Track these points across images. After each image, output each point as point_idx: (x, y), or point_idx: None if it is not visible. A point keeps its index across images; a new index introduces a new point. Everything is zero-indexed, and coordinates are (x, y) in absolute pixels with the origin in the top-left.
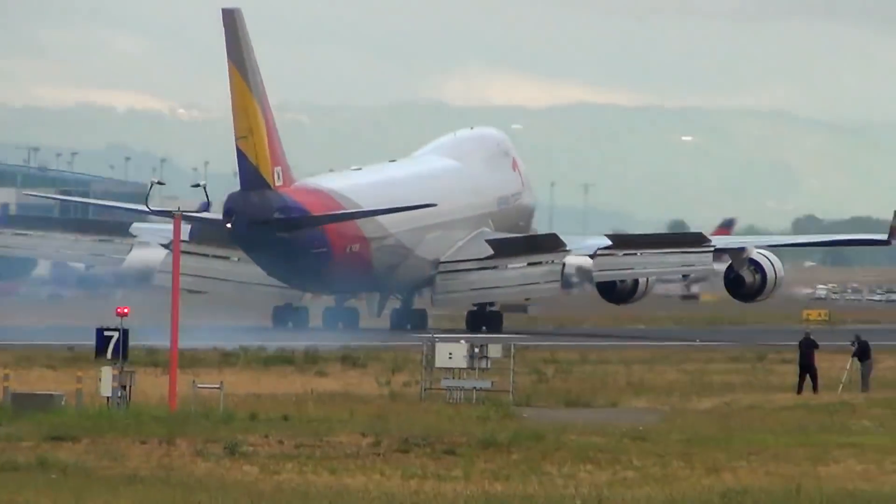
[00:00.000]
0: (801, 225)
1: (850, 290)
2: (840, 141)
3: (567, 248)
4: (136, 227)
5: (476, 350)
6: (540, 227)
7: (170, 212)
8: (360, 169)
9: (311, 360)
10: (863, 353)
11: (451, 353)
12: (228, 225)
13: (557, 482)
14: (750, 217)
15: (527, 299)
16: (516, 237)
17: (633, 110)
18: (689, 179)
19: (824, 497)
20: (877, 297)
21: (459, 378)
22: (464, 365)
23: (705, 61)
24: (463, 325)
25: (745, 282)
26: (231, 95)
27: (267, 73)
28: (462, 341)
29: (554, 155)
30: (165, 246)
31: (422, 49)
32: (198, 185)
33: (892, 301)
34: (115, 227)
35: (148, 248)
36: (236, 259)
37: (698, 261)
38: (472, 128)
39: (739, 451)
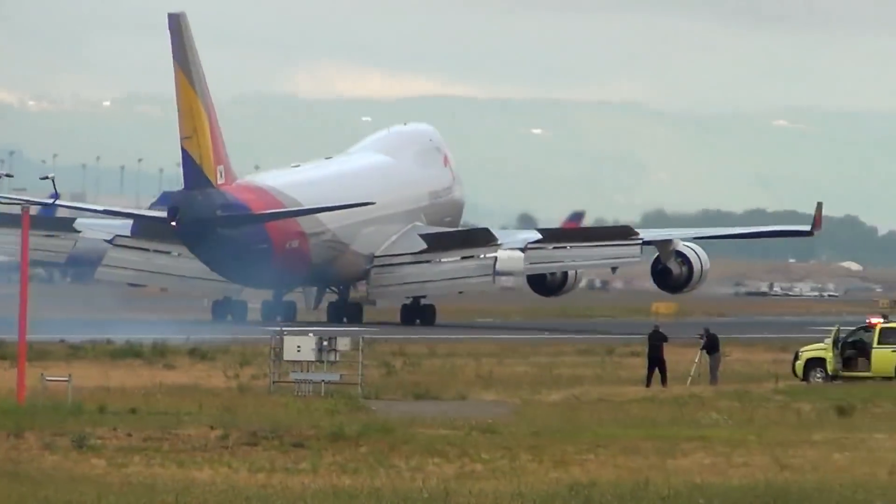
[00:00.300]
0: (649, 218)
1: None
2: (689, 133)
3: (499, 242)
4: (80, 222)
5: (325, 343)
6: None
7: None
8: (298, 166)
9: (159, 354)
10: (711, 346)
11: (299, 346)
12: (173, 223)
13: (405, 475)
14: (599, 210)
15: (460, 292)
16: (449, 231)
17: (483, 102)
18: (538, 172)
19: (672, 490)
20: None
21: (308, 371)
22: (312, 358)
23: (555, 54)
24: (397, 318)
25: (672, 273)
26: (176, 96)
27: (113, 64)
28: (310, 334)
29: None
30: (109, 241)
31: (269, 42)
32: (46, 178)
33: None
34: (60, 223)
35: (92, 242)
36: (177, 254)
37: (626, 253)
38: (405, 123)
39: (588, 444)
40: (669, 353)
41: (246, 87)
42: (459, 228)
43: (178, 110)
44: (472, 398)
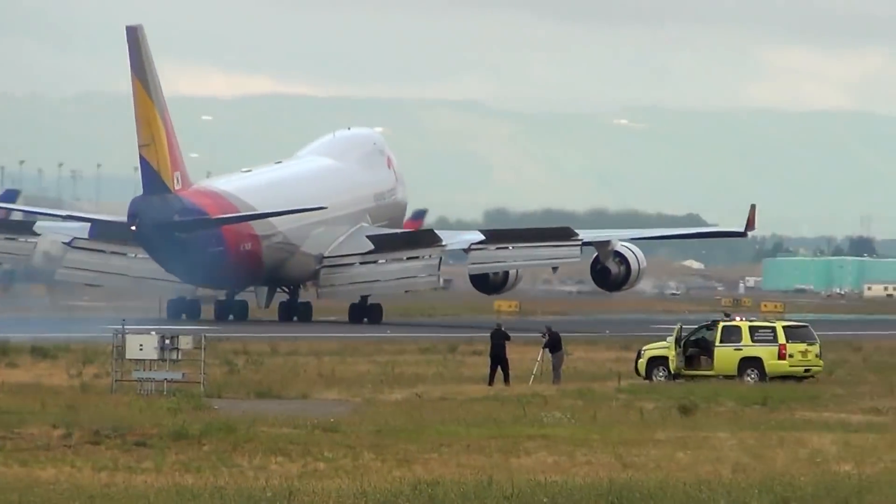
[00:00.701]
0: (491, 217)
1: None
2: (531, 132)
3: (443, 244)
4: (40, 225)
5: (167, 341)
6: None
7: None
8: (249, 170)
9: (0, 352)
10: (554, 344)
11: (141, 345)
12: (133, 227)
13: (248, 474)
14: (441, 209)
15: (406, 291)
16: (395, 233)
17: (324, 101)
18: None
19: (515, 488)
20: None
21: (151, 370)
22: (155, 356)
23: (396, 52)
24: (345, 317)
25: (610, 273)
26: (134, 106)
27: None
28: (152, 332)
29: (244, 146)
30: (67, 244)
31: (109, 40)
32: None
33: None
34: (20, 226)
35: (51, 245)
36: (133, 255)
37: (567, 254)
38: (349, 128)
39: (431, 443)
40: (512, 352)
41: (87, 87)
42: (406, 230)
43: (136, 119)
44: (315, 397)
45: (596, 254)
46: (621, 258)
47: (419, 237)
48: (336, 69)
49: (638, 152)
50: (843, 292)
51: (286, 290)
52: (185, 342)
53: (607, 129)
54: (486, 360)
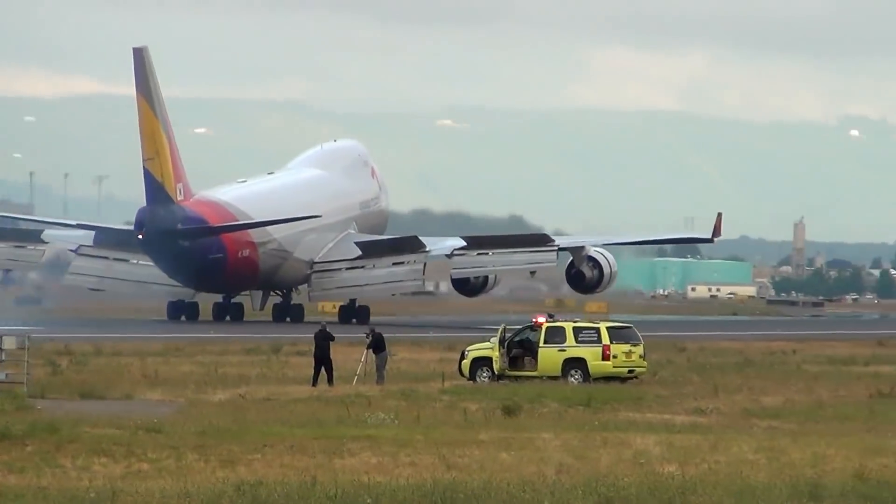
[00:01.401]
0: None
1: None
2: (355, 132)
3: (427, 249)
4: (48, 234)
5: None
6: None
7: None
8: (245, 181)
9: None
10: (377, 345)
11: None
12: (140, 235)
13: (72, 475)
14: None
15: (393, 294)
16: (381, 239)
17: None
18: (203, 170)
19: (339, 489)
20: None
21: None
22: None
23: (221, 53)
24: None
25: (585, 276)
26: (139, 122)
27: None
28: None
29: (68, 146)
30: (74, 251)
31: None
32: None
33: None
34: (29, 234)
35: (59, 253)
36: (135, 261)
37: (543, 259)
38: (335, 140)
39: (254, 444)
40: (336, 353)
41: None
42: (390, 236)
43: (141, 134)
44: (138, 397)
45: (571, 258)
46: (594, 262)
47: (404, 243)
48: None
49: (462, 153)
50: (666, 293)
51: (279, 293)
52: (9, 343)
53: (431, 129)
54: (310, 361)
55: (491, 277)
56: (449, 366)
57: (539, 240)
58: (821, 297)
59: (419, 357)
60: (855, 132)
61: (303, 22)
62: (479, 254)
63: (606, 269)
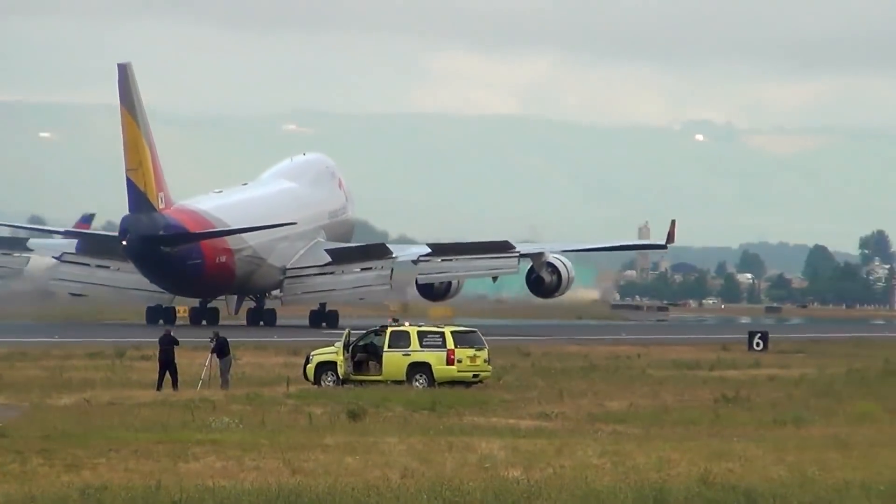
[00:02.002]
0: None
1: None
2: (199, 137)
3: (393, 256)
4: (33, 241)
5: None
6: None
7: None
8: (221, 191)
9: None
10: (221, 349)
11: None
12: (123, 242)
13: None
14: (111, 212)
15: (361, 299)
16: (350, 246)
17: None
18: (48, 174)
19: (184, 493)
20: None
21: None
22: None
23: (62, 59)
24: (306, 322)
25: (544, 281)
26: (122, 134)
27: None
28: None
29: None
30: (58, 258)
31: None
32: None
33: None
34: (14, 242)
35: (43, 259)
36: (116, 268)
37: (505, 265)
38: (304, 154)
39: (99, 448)
40: (181, 357)
41: None
42: (358, 244)
43: (124, 145)
44: None
45: (531, 264)
46: (553, 268)
47: (371, 250)
48: (13, 74)
49: None
50: (512, 297)
51: (253, 298)
52: None
53: (275, 133)
54: (155, 366)
55: (454, 283)
56: (294, 370)
57: (501, 247)
58: (665, 302)
59: (264, 361)
60: (700, 136)
61: (146, 24)
62: (443, 260)
63: (565, 274)
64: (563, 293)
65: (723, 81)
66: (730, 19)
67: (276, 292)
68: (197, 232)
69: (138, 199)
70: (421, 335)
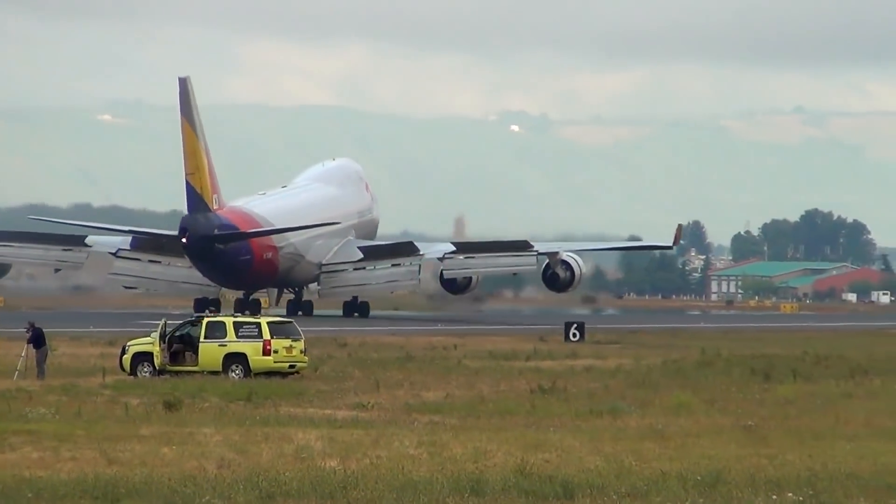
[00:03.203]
0: None
1: None
2: (13, 127)
3: (421, 253)
4: (91, 239)
5: None
6: None
7: None
8: (264, 193)
9: None
10: (37, 339)
11: None
12: (183, 239)
13: None
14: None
15: (392, 293)
16: (381, 244)
17: None
18: None
19: (1, 484)
20: None
21: None
22: None
23: None
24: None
25: (559, 277)
26: (183, 141)
27: None
28: None
29: None
30: (114, 254)
31: None
32: None
33: None
34: (74, 239)
35: (101, 256)
36: (167, 263)
37: (524, 262)
38: (333, 159)
39: None
40: None
41: None
42: (388, 242)
43: (184, 152)
44: None
45: (547, 261)
46: (567, 265)
47: (401, 248)
48: None
49: (121, 148)
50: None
51: (293, 290)
52: None
53: (91, 124)
54: None
55: (474, 278)
56: (110, 361)
57: (521, 246)
58: (483, 292)
59: (80, 352)
60: (515, 127)
61: None
62: (466, 257)
63: (577, 271)
64: (575, 288)
65: (537, 72)
66: (543, 11)
67: (313, 286)
68: (248, 231)
69: (196, 200)
70: (237, 326)
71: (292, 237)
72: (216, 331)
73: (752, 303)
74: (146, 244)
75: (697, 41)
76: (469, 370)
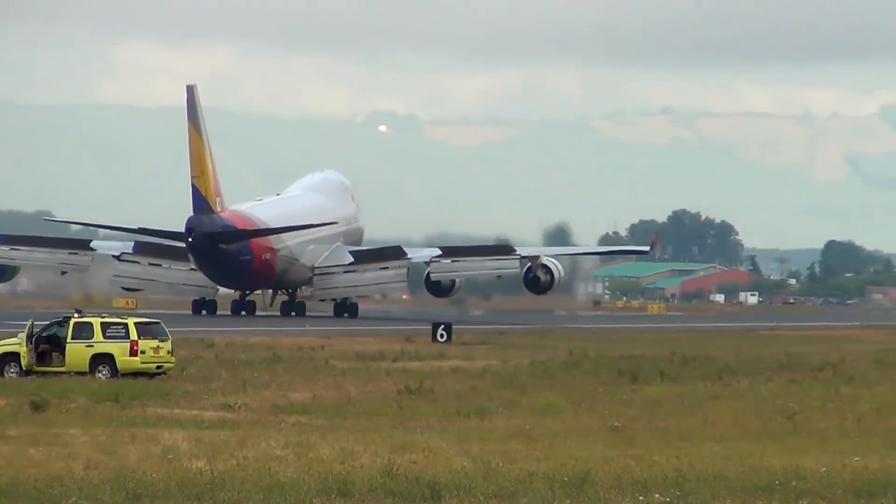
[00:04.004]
0: None
1: None
2: None
3: (409, 257)
4: (95, 243)
5: None
6: None
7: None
8: (261, 199)
9: None
10: None
11: None
12: (189, 238)
13: None
14: None
15: (381, 294)
16: (371, 249)
17: None
18: None
19: None
20: None
21: None
22: None
23: None
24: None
25: (540, 280)
26: (189, 146)
27: None
28: None
29: None
30: (117, 257)
31: None
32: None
33: None
34: (79, 243)
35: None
36: (167, 266)
37: (508, 265)
38: (322, 171)
39: None
40: None
41: None
42: (376, 247)
43: (190, 156)
44: None
45: (528, 265)
46: (547, 269)
47: (389, 252)
48: None
49: None
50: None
51: (286, 292)
52: None
53: None
54: None
55: (457, 281)
56: None
57: (504, 249)
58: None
59: None
60: (383, 128)
61: None
62: (453, 261)
63: (557, 274)
64: (555, 290)
65: (405, 73)
66: (410, 11)
67: (306, 288)
68: (249, 230)
69: (201, 202)
70: (104, 326)
71: (288, 240)
72: (83, 331)
73: (619, 304)
74: (147, 248)
75: (566, 42)
76: (336, 371)
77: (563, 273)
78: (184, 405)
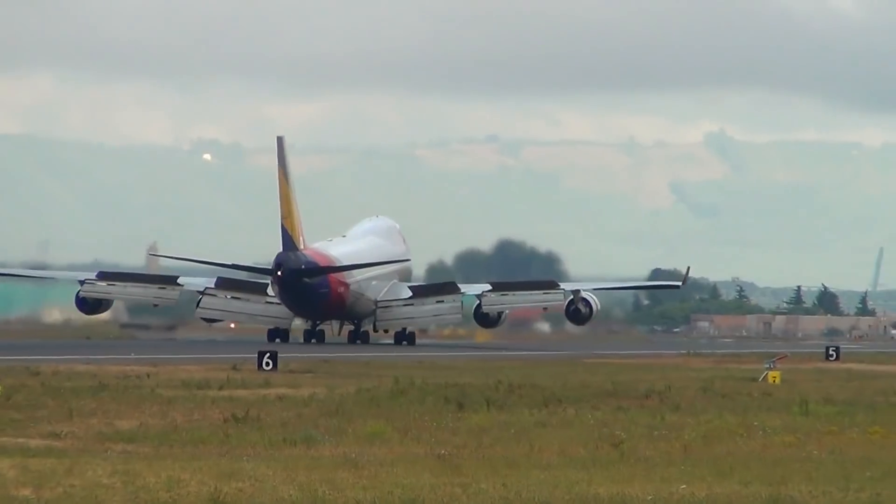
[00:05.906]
0: None
1: None
2: None
3: (462, 292)
4: (183, 279)
5: None
6: None
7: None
8: (331, 240)
9: None
10: None
11: None
12: (279, 273)
13: None
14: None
15: (438, 326)
16: (428, 284)
17: None
18: None
19: None
20: None
21: None
22: None
23: None
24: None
25: (581, 312)
26: (279, 190)
27: None
28: None
29: None
30: (201, 292)
31: None
32: None
33: None
34: (168, 279)
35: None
36: (246, 299)
37: (553, 299)
38: (377, 216)
39: None
40: None
41: None
42: (434, 282)
43: (280, 198)
44: None
45: (570, 298)
46: (586, 302)
47: (445, 287)
48: None
49: None
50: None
51: (352, 323)
52: None
53: None
54: None
55: (504, 313)
56: None
57: (549, 284)
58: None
59: None
60: (207, 156)
61: None
62: (502, 294)
63: (595, 307)
64: (593, 321)
65: (227, 101)
66: (228, 39)
67: (370, 320)
68: (328, 266)
69: (288, 241)
70: None
71: (358, 276)
72: None
73: (445, 332)
74: (227, 283)
75: (387, 70)
76: (162, 399)
77: (599, 306)
78: (9, 433)
